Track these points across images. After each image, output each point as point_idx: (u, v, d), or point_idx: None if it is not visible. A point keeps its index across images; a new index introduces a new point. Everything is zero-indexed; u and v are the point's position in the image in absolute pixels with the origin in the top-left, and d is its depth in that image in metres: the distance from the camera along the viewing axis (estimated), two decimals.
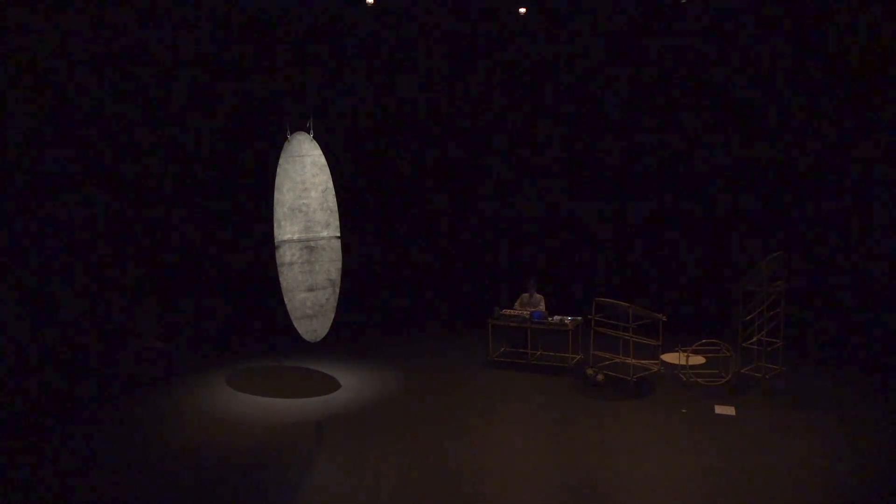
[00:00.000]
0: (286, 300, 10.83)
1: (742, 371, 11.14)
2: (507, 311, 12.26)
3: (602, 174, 14.46)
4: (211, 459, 8.92)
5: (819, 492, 7.99)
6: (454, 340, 13.43)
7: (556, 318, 11.98)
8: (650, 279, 14.15)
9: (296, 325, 10.91)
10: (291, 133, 10.89)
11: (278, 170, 10.85)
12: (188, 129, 13.75)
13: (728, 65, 13.47)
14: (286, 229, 10.87)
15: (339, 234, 11.15)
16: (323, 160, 11.04)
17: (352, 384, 11.26)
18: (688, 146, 13.98)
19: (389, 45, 14.30)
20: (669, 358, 11.33)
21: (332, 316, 11.16)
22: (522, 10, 13.39)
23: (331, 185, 11.10)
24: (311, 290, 10.96)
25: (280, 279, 10.80)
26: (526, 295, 12.40)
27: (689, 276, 14.02)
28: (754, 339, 11.12)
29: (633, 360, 11.13)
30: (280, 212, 10.84)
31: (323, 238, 11.07)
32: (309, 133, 11.00)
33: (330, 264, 11.09)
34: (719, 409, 10.06)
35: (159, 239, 13.70)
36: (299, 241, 10.93)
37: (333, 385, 11.22)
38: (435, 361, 12.39)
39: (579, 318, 12.01)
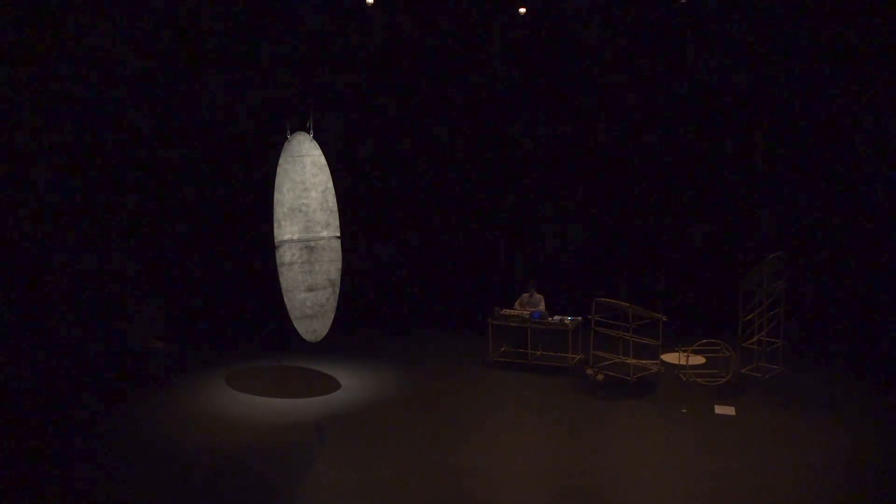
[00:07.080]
0: (286, 300, 10.82)
1: (742, 371, 11.14)
2: (507, 311, 12.26)
3: (602, 174, 14.46)
4: (211, 459, 8.92)
5: (818, 492, 7.99)
6: (454, 340, 13.43)
7: (556, 318, 11.98)
8: (650, 279, 14.13)
9: (296, 325, 10.91)
10: (291, 133, 10.89)
11: (278, 170, 10.84)
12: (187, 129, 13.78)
13: (727, 60, 13.49)
14: (286, 229, 10.87)
15: (339, 234, 11.15)
16: (323, 160, 11.04)
17: (352, 384, 11.25)
18: (688, 146, 13.98)
19: (388, 44, 14.31)
20: (669, 358, 11.33)
21: (332, 316, 11.16)
22: (522, 10, 13.39)
23: (331, 185, 11.10)
24: (311, 290, 10.96)
25: (280, 279, 10.80)
26: (526, 295, 12.40)
27: (690, 276, 14.00)
28: (754, 339, 11.13)
29: (633, 360, 11.13)
30: (280, 212, 10.84)
31: (323, 238, 11.07)
32: (309, 133, 10.99)
33: (330, 264, 11.08)
34: (719, 409, 10.06)
35: (159, 238, 13.70)
36: (299, 241, 10.93)
37: (333, 385, 11.22)
38: (435, 361, 12.39)
39: (579, 318, 12.01)
